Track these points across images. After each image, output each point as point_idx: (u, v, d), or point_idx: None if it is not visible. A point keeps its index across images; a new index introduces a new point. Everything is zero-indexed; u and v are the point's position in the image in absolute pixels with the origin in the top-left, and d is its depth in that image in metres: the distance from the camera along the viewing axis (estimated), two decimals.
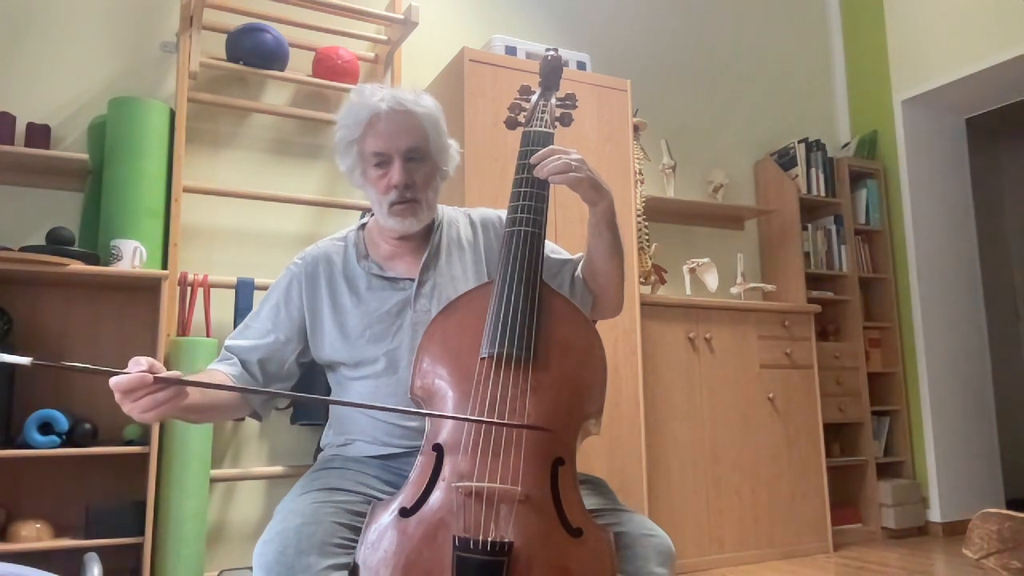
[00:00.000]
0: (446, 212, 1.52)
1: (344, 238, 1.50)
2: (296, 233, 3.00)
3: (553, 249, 1.52)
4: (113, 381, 1.07)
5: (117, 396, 1.08)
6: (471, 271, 1.45)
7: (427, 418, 1.20)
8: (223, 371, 1.36)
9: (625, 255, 1.48)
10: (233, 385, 1.29)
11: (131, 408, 1.08)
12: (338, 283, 1.43)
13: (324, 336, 1.41)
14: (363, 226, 1.51)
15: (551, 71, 1.56)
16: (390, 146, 1.36)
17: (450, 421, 1.16)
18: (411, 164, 1.38)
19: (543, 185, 1.36)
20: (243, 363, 1.39)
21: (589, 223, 1.41)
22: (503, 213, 1.53)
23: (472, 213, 1.55)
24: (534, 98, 1.53)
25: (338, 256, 1.46)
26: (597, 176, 1.35)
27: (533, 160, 1.34)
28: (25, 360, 0.97)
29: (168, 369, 2.59)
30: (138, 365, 1.08)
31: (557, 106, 1.53)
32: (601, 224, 1.38)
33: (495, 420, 1.12)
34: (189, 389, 1.15)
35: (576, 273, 1.49)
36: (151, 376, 1.07)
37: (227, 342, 1.42)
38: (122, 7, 2.86)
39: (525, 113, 1.51)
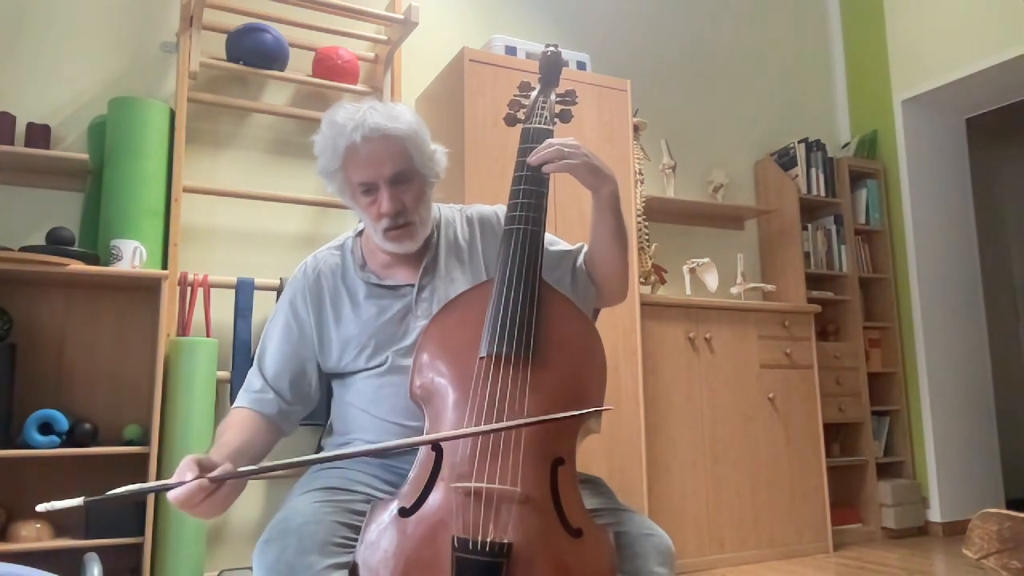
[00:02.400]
0: (442, 212, 1.50)
1: (340, 247, 1.47)
2: (296, 233, 3.00)
3: (552, 241, 1.50)
4: (172, 496, 1.05)
5: (178, 507, 1.08)
6: (469, 272, 1.44)
7: (426, 417, 1.20)
8: (256, 411, 1.36)
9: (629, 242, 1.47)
10: (287, 461, 1.24)
11: (196, 513, 1.08)
12: (340, 295, 1.41)
13: (331, 349, 1.39)
14: (360, 233, 1.48)
15: (551, 67, 1.55)
16: (374, 175, 1.32)
17: (449, 422, 1.16)
18: (398, 188, 1.34)
19: (542, 183, 1.36)
20: (276, 392, 1.38)
21: (592, 209, 1.39)
22: (499, 209, 1.52)
23: (468, 211, 1.53)
24: (533, 94, 1.52)
25: (337, 267, 1.44)
26: (596, 161, 1.33)
27: (530, 158, 1.34)
28: (77, 502, 0.98)
29: (169, 369, 2.58)
30: (191, 470, 1.06)
31: (557, 102, 1.52)
32: (604, 210, 1.37)
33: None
34: (230, 456, 1.16)
35: (578, 263, 1.48)
36: (207, 481, 1.05)
37: (251, 376, 1.40)
38: (122, 7, 2.86)
39: (524, 109, 1.50)
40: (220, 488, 1.07)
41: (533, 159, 1.32)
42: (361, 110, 1.33)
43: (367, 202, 1.36)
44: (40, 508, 0.95)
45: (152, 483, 1.07)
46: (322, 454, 1.13)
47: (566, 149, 1.31)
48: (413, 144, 1.34)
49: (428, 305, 1.38)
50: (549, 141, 1.34)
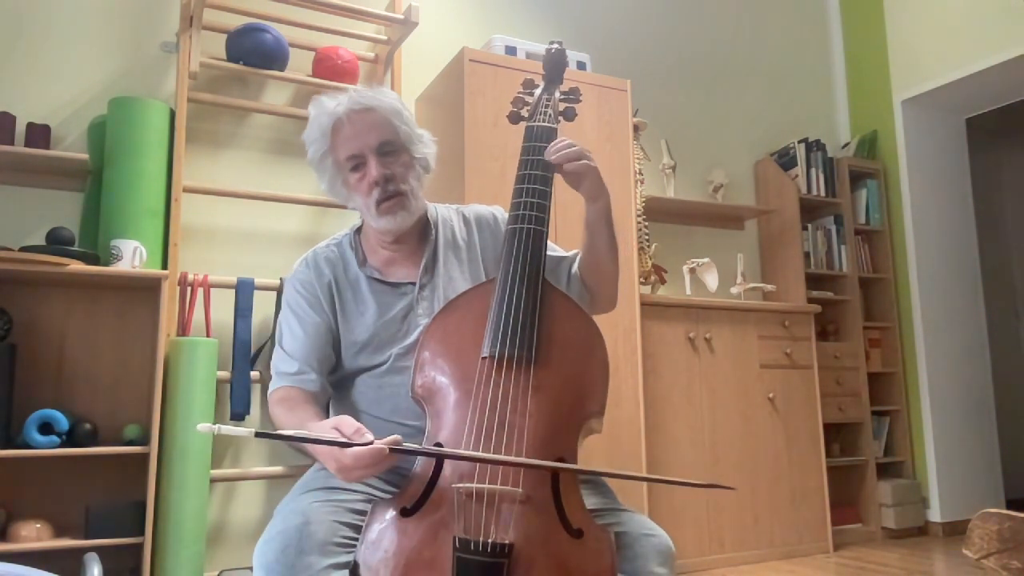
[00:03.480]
0: (440, 212, 1.51)
1: (338, 244, 1.47)
2: (296, 233, 3.00)
3: (549, 247, 1.50)
4: (350, 453, 1.06)
5: (338, 465, 1.08)
6: (467, 271, 1.44)
7: (428, 417, 1.20)
8: (302, 390, 1.34)
9: (624, 255, 1.50)
10: (444, 451, 1.23)
11: (349, 476, 1.09)
12: (342, 287, 1.41)
13: (341, 340, 1.39)
14: (358, 231, 1.49)
15: (554, 64, 1.54)
16: (361, 146, 1.36)
17: (451, 421, 1.16)
18: (386, 158, 1.37)
19: (546, 182, 1.36)
20: (312, 370, 1.35)
21: (587, 220, 1.41)
22: (496, 210, 1.53)
23: (465, 210, 1.54)
24: (537, 92, 1.51)
25: (337, 262, 1.44)
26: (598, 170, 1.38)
27: (549, 154, 1.35)
28: (247, 431, 0.97)
29: (169, 369, 2.57)
30: (363, 435, 1.07)
31: (561, 100, 1.51)
32: (601, 220, 1.40)
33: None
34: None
35: (573, 270, 1.49)
36: (387, 449, 1.06)
37: (280, 362, 1.37)
38: (122, 7, 2.86)
39: (528, 107, 1.49)
40: (388, 458, 1.07)
41: (554, 157, 1.34)
42: (346, 93, 1.39)
43: (356, 178, 1.37)
44: (202, 428, 0.94)
45: (332, 436, 1.06)
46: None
47: (585, 152, 1.35)
48: (398, 118, 1.38)
49: (429, 304, 1.38)
50: (569, 142, 1.36)
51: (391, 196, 1.36)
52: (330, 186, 1.42)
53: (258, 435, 0.96)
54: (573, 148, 1.34)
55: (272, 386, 1.37)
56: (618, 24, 3.89)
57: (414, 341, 1.33)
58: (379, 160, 1.36)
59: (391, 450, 1.06)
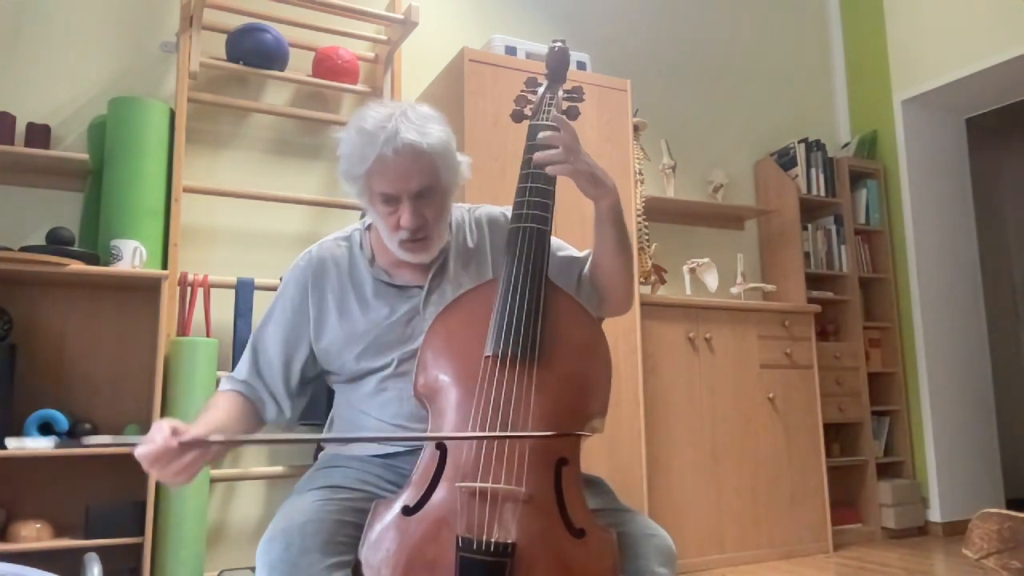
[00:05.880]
0: (453, 215, 1.49)
1: (348, 238, 1.45)
2: (296, 233, 3.00)
3: (560, 246, 1.48)
4: (138, 452, 1.06)
5: (145, 466, 1.08)
6: (475, 275, 1.42)
7: (430, 415, 1.20)
8: (236, 392, 1.36)
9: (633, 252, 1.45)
10: (258, 438, 1.24)
11: (161, 475, 1.08)
12: (345, 288, 1.39)
13: (329, 342, 1.37)
14: (368, 227, 1.46)
15: (558, 63, 1.52)
16: (399, 189, 1.29)
17: (453, 421, 1.15)
18: (421, 202, 1.31)
19: (549, 180, 1.34)
20: (262, 380, 1.38)
21: (594, 219, 1.37)
22: (507, 211, 1.51)
23: (476, 212, 1.52)
24: (540, 90, 1.50)
25: (343, 259, 1.42)
26: (599, 171, 1.31)
27: (535, 157, 1.31)
28: (48, 442, 1.01)
29: (169, 369, 2.57)
30: (160, 431, 1.07)
31: (564, 99, 1.50)
32: (605, 221, 1.35)
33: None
34: (208, 430, 1.17)
35: (584, 271, 1.47)
36: (176, 442, 1.06)
37: (240, 363, 1.40)
38: (122, 7, 2.86)
39: (531, 106, 1.48)
40: (185, 454, 1.07)
41: (539, 158, 1.30)
42: (392, 118, 1.27)
43: (387, 211, 1.32)
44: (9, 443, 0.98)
45: (123, 437, 1.09)
46: (293, 435, 1.25)
47: (572, 147, 1.27)
48: (442, 159, 1.31)
49: (436, 308, 1.36)
50: (553, 135, 1.29)
51: (418, 240, 1.33)
52: (357, 197, 1.38)
53: (59, 446, 1.02)
54: (554, 151, 1.27)
55: (220, 385, 1.40)
56: (618, 24, 3.89)
57: (419, 346, 1.32)
58: (414, 206, 1.30)
59: (182, 444, 1.06)
